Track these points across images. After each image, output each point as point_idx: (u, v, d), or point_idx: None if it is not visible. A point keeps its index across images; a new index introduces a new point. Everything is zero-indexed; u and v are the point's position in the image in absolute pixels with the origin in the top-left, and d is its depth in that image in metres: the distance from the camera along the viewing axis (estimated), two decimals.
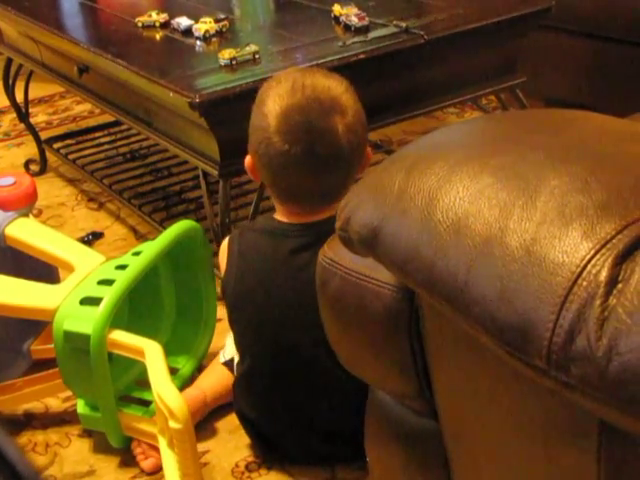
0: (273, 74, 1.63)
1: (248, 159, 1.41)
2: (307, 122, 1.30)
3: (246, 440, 1.51)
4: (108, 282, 1.46)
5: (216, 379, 1.56)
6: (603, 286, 0.62)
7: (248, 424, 1.48)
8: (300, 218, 1.38)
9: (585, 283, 0.62)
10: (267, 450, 1.47)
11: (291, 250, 1.36)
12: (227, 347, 1.59)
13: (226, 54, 1.71)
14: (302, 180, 1.34)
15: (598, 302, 0.62)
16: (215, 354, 1.68)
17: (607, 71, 2.26)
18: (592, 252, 0.63)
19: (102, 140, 2.65)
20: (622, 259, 0.62)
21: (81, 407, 1.51)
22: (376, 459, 1.14)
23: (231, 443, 1.52)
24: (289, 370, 1.39)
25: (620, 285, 0.61)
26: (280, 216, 1.41)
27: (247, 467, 1.47)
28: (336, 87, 1.35)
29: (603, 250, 0.63)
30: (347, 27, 1.86)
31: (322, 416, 1.41)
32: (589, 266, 0.63)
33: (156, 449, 1.44)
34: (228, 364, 1.56)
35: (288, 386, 1.41)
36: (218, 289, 1.73)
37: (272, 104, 1.33)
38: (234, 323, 1.44)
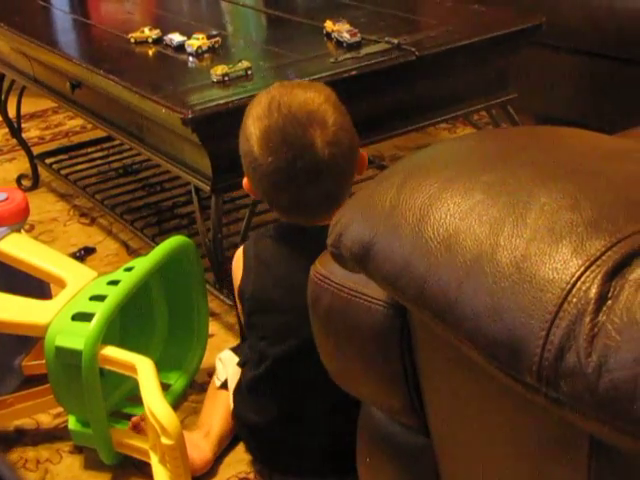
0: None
1: (245, 180, 1.43)
2: (285, 141, 1.32)
3: (238, 456, 1.51)
4: (100, 298, 1.46)
5: (225, 416, 1.53)
6: (593, 303, 0.62)
7: (249, 431, 1.46)
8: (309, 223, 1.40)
9: (575, 300, 0.63)
10: (265, 459, 1.46)
11: (309, 253, 1.36)
12: (219, 370, 1.57)
13: (218, 70, 1.72)
14: (293, 196, 1.36)
15: (588, 319, 0.62)
16: (207, 370, 1.68)
17: (598, 88, 2.27)
18: (582, 269, 0.64)
19: (94, 155, 2.65)
20: (612, 276, 0.63)
21: (72, 423, 1.51)
22: (367, 475, 1.14)
23: (223, 459, 1.52)
24: (307, 375, 1.38)
25: (610, 302, 0.62)
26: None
27: None
28: (313, 99, 1.35)
29: (593, 267, 0.63)
30: (339, 43, 1.87)
31: (332, 428, 1.39)
32: (579, 283, 0.63)
33: None
34: (224, 386, 1.55)
35: (303, 393, 1.39)
36: (210, 304, 1.73)
37: (252, 127, 1.36)
38: (253, 327, 1.43)
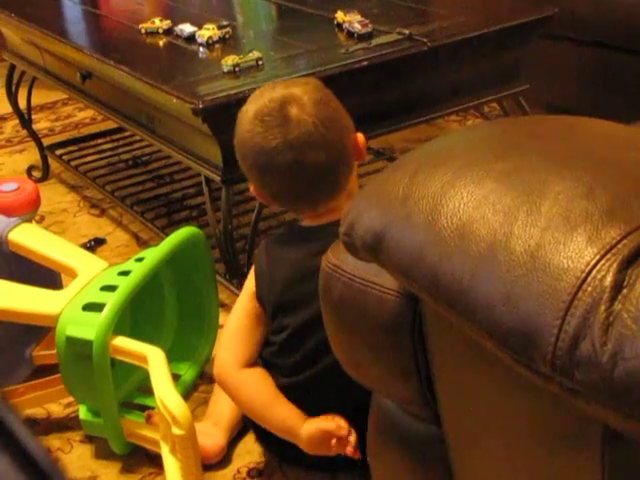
0: (276, 80, 1.65)
1: (251, 186, 1.45)
2: (263, 120, 1.35)
3: (247, 447, 1.51)
4: (111, 288, 1.46)
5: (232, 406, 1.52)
6: (608, 291, 0.62)
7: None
8: (320, 219, 1.40)
9: (590, 288, 0.62)
10: (274, 449, 1.46)
11: (317, 252, 1.37)
12: None
13: (229, 60, 1.72)
14: (287, 176, 1.36)
15: (603, 307, 0.61)
16: None
17: (609, 79, 2.26)
18: (597, 257, 0.63)
19: (104, 147, 2.66)
20: (627, 264, 0.62)
21: (83, 413, 1.51)
22: (378, 465, 1.14)
23: (232, 449, 1.52)
24: (328, 373, 1.38)
25: (625, 290, 0.61)
26: (305, 223, 1.45)
27: (249, 473, 1.47)
28: (292, 85, 1.40)
29: (608, 255, 0.63)
30: (350, 34, 1.86)
31: (350, 419, 1.39)
32: (594, 271, 0.63)
33: None
34: None
35: (323, 389, 1.39)
36: (221, 295, 1.73)
37: (240, 122, 1.40)
38: (277, 333, 1.42)
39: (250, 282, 1.45)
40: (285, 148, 1.34)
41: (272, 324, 1.42)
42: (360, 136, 1.42)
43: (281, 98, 1.36)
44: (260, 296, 1.42)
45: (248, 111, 1.39)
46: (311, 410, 1.40)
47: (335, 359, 1.33)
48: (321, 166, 1.36)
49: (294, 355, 1.40)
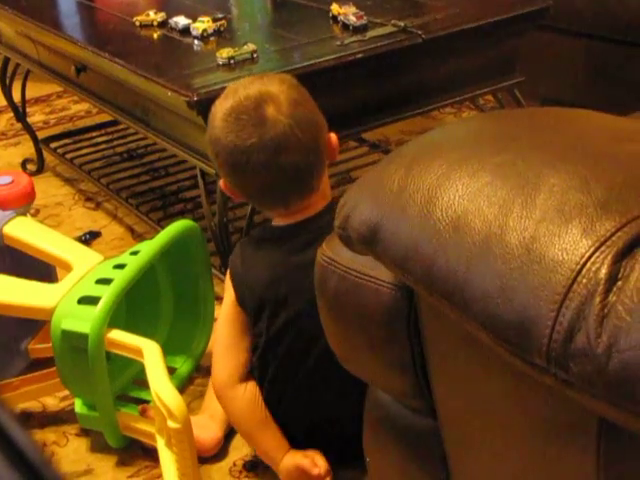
0: (271, 73, 1.64)
1: (221, 181, 1.44)
2: (238, 118, 1.34)
3: (243, 439, 1.51)
4: (106, 281, 1.46)
5: None
6: (603, 283, 0.62)
7: None
8: (292, 217, 1.40)
9: (585, 281, 0.62)
10: None
11: (293, 251, 1.36)
12: None
13: (224, 53, 1.71)
14: (258, 176, 1.35)
15: (598, 299, 0.62)
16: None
17: (605, 71, 2.26)
18: (592, 250, 0.63)
19: (99, 140, 2.65)
20: (622, 257, 0.62)
21: (79, 406, 1.51)
22: (375, 458, 1.14)
23: (228, 442, 1.52)
24: (312, 369, 1.38)
25: (620, 282, 0.61)
26: (277, 222, 1.43)
27: (244, 466, 1.47)
28: (268, 83, 1.37)
29: (603, 248, 0.63)
30: (345, 26, 1.86)
31: (343, 414, 1.39)
32: (589, 264, 0.63)
33: None
34: None
35: (309, 385, 1.39)
36: (216, 288, 1.73)
37: (214, 111, 1.39)
38: (260, 336, 1.42)
39: (229, 289, 1.44)
40: (260, 148, 1.32)
41: (255, 327, 1.42)
42: (333, 136, 1.41)
43: (257, 96, 1.34)
44: (242, 301, 1.42)
45: (222, 106, 1.37)
46: (302, 420, 1.41)
47: (319, 357, 1.35)
48: (295, 167, 1.35)
49: (277, 356, 1.40)
